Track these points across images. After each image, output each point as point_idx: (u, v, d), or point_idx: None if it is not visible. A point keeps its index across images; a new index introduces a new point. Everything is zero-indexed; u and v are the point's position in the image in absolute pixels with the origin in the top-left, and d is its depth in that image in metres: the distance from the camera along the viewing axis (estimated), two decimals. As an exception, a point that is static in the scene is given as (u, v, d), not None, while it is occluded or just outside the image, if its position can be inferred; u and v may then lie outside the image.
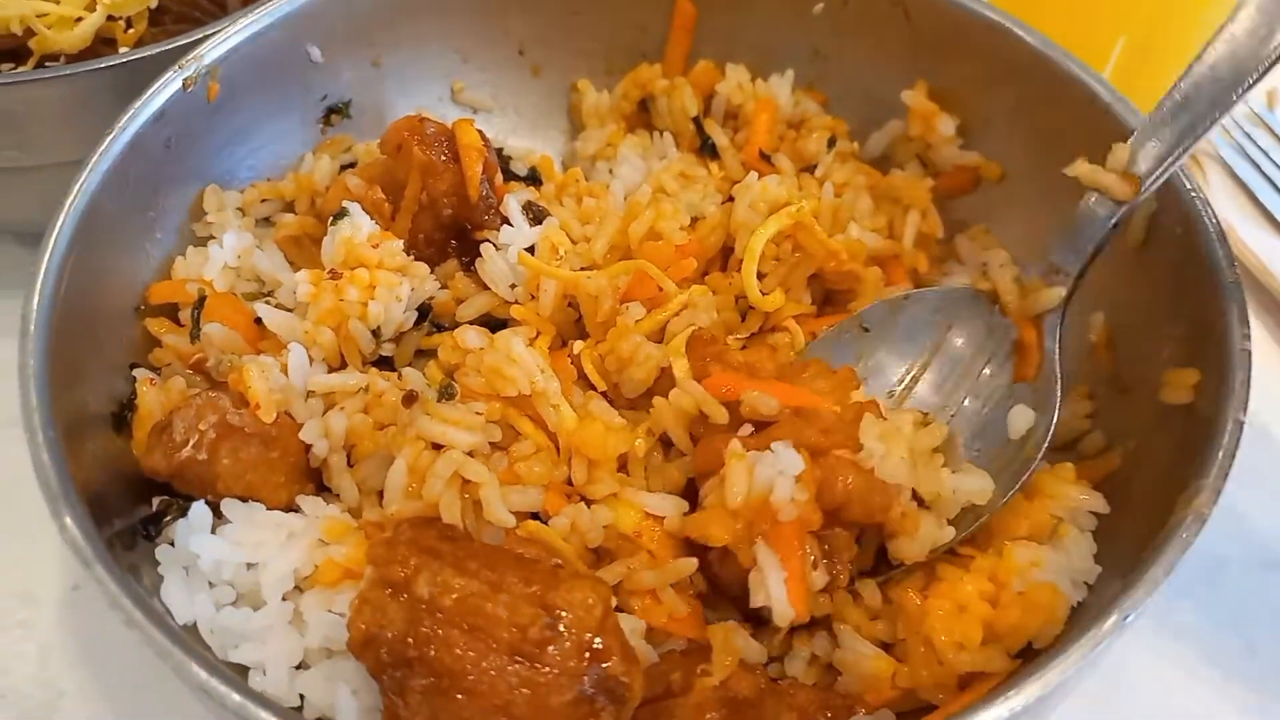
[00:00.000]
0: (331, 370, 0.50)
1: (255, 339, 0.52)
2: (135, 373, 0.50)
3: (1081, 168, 0.50)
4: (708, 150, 0.64)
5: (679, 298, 0.52)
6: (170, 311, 0.53)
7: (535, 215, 0.56)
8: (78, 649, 0.54)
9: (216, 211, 0.56)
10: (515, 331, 0.51)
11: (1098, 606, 0.41)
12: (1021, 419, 0.50)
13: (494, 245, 0.54)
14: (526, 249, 0.54)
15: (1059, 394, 0.50)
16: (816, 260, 0.53)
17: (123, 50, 0.64)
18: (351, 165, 0.62)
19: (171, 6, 0.67)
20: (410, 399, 0.45)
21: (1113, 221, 0.50)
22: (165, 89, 0.53)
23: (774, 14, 0.66)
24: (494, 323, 0.54)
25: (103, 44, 0.65)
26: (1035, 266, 0.52)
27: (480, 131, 0.55)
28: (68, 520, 0.38)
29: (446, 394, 0.46)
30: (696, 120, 0.65)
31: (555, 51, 0.68)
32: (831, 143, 0.62)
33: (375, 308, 0.50)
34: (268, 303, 0.53)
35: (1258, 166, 0.75)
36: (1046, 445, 0.49)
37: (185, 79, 0.53)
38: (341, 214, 0.52)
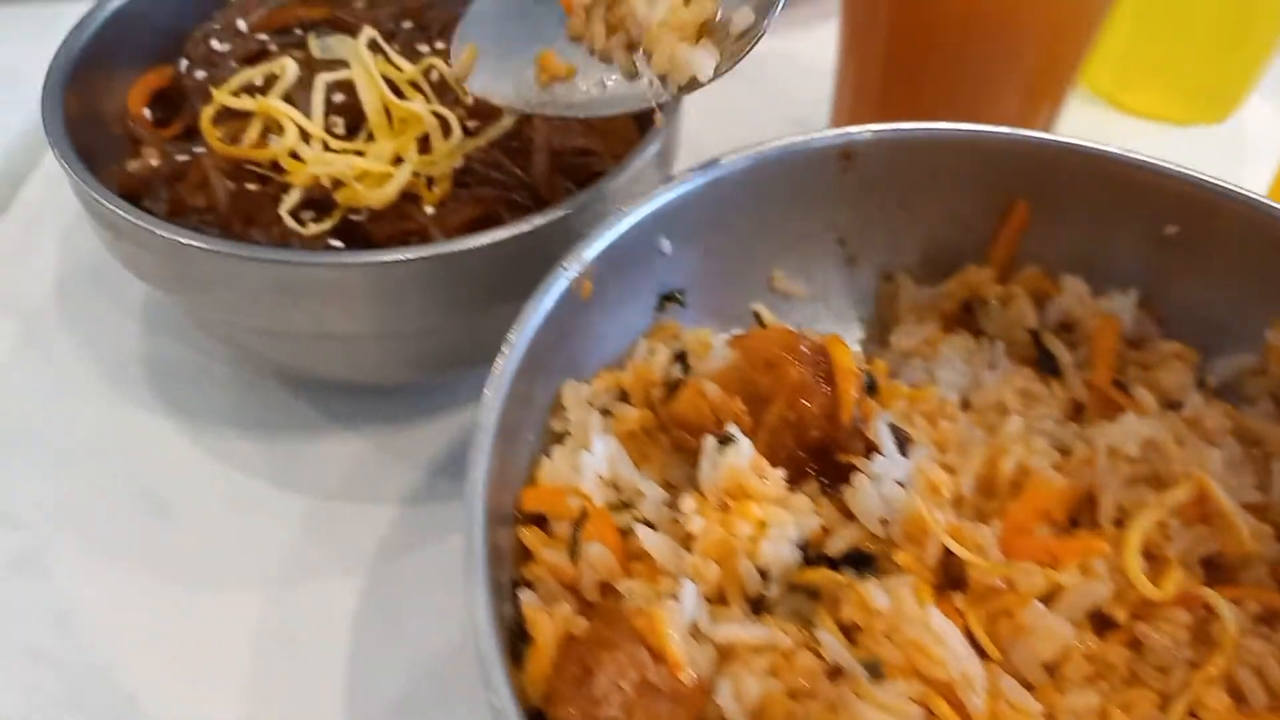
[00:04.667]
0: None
1: (624, 559, 0.50)
2: (522, 595, 0.48)
3: None
4: (1045, 365, 0.62)
5: (1076, 564, 0.49)
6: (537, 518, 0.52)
7: (900, 440, 0.54)
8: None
9: (574, 408, 0.55)
10: (904, 582, 0.48)
11: None
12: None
13: (866, 475, 0.52)
14: (899, 481, 0.52)
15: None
16: (1219, 541, 0.50)
17: (428, 208, 0.64)
18: (682, 355, 0.60)
19: (476, 168, 0.66)
20: (836, 673, 0.43)
21: None
22: (554, 289, 0.52)
23: (1115, 228, 0.64)
24: (859, 556, 0.52)
25: (405, 199, 0.64)
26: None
27: (850, 350, 0.54)
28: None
29: (874, 673, 0.43)
30: (1033, 332, 0.63)
31: (874, 242, 0.67)
32: (1200, 381, 0.60)
33: (769, 547, 0.48)
34: (634, 518, 0.51)
35: None
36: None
37: (571, 280, 0.52)
38: (728, 439, 0.50)
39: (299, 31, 0.74)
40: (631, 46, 0.58)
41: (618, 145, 0.70)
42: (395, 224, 0.63)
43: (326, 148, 0.65)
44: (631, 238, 0.56)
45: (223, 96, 0.66)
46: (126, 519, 0.65)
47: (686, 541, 0.50)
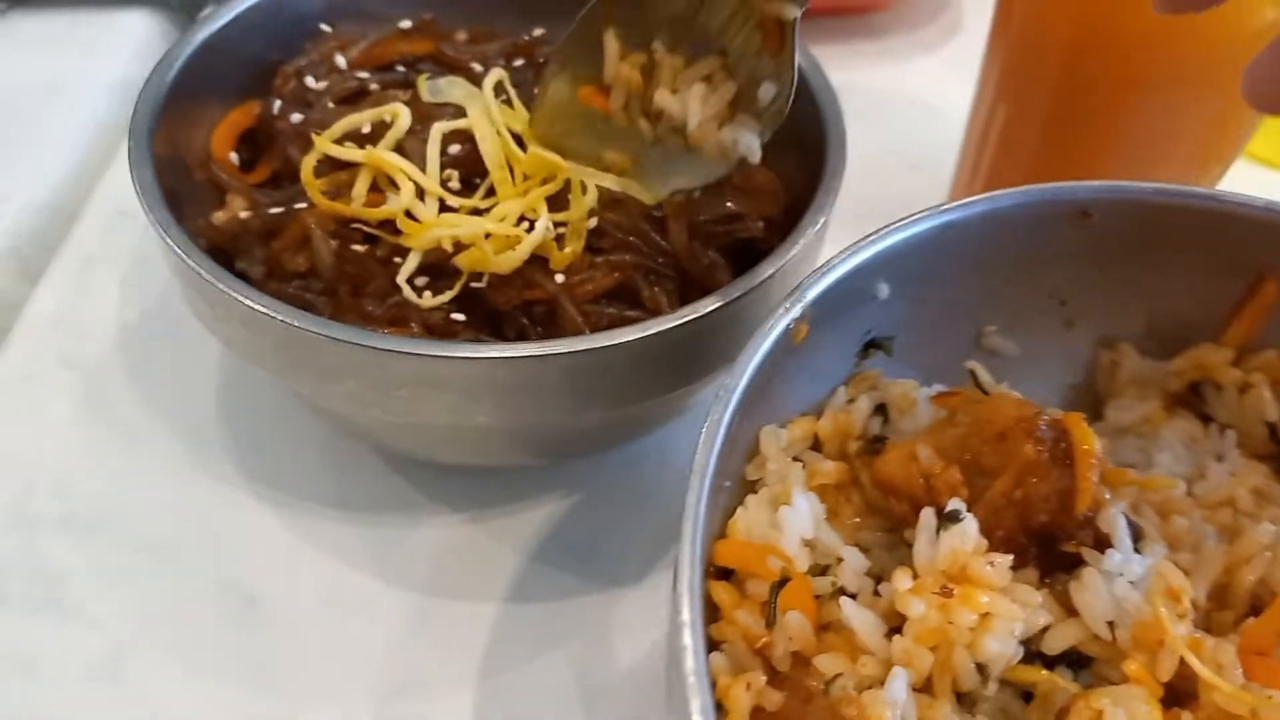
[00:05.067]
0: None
1: (817, 628, 0.46)
2: (712, 659, 0.45)
3: None
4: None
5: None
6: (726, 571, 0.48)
7: (1134, 534, 0.49)
8: None
9: (775, 457, 0.51)
10: (1136, 695, 0.44)
11: None
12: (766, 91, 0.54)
13: (1097, 570, 0.47)
14: (1132, 581, 0.47)
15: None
16: None
17: (559, 276, 0.56)
18: (881, 407, 0.56)
19: (611, 230, 0.59)
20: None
21: None
22: (773, 331, 0.48)
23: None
24: (1078, 657, 0.48)
25: (529, 262, 0.56)
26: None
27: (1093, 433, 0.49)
28: None
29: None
30: (1270, 426, 0.57)
31: (1097, 306, 0.61)
32: None
33: (992, 642, 0.43)
34: (832, 583, 0.47)
35: None
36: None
37: (792, 322, 0.49)
38: (954, 516, 0.46)
39: (401, 69, 0.66)
40: (678, 129, 0.56)
41: (765, 204, 0.63)
42: (520, 291, 0.55)
43: (444, 205, 0.56)
44: (852, 279, 0.52)
45: (325, 145, 0.57)
46: (212, 616, 0.58)
47: (889, 618, 0.46)
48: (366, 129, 0.58)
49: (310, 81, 0.63)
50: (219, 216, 0.59)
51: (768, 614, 0.45)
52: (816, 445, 0.55)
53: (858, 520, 0.53)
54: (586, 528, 0.64)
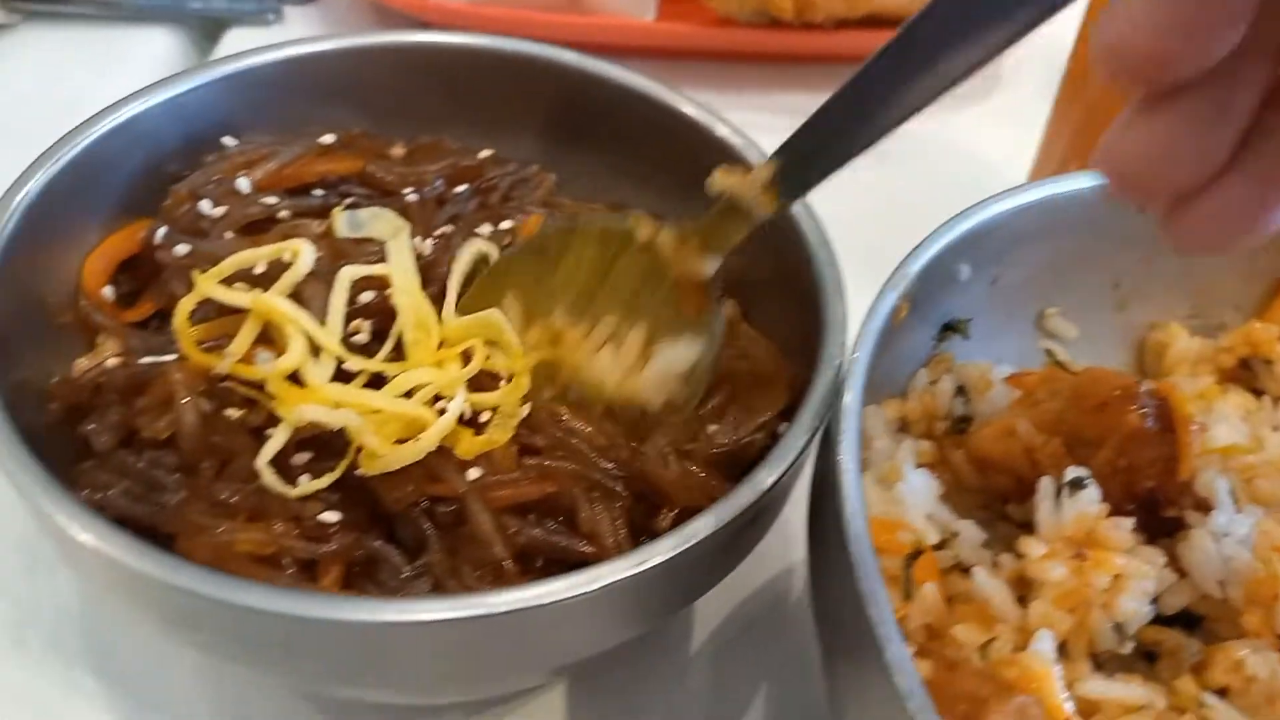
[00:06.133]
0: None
1: (944, 599, 0.47)
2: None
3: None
4: (1337, 431, 0.59)
5: None
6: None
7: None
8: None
9: (880, 436, 0.52)
10: (1262, 646, 0.45)
11: None
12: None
13: (1205, 532, 0.49)
14: (1239, 541, 0.49)
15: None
16: None
17: (473, 471, 0.44)
18: (960, 389, 0.57)
19: (548, 424, 0.47)
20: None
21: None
22: (882, 310, 0.49)
23: None
24: (1189, 617, 0.49)
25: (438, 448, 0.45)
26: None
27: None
28: None
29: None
30: (1320, 395, 0.60)
31: (1151, 288, 0.63)
32: None
33: (1127, 601, 0.44)
34: (953, 557, 0.48)
35: None
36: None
37: (899, 299, 0.49)
38: (1078, 483, 0.47)
39: (320, 192, 0.55)
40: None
41: (773, 400, 0.52)
42: (419, 486, 0.44)
43: (340, 368, 0.46)
44: (940, 259, 0.53)
45: (208, 285, 0.46)
46: None
47: (1013, 587, 0.47)
48: (261, 268, 0.48)
49: (206, 207, 0.52)
50: (81, 364, 0.48)
51: (904, 587, 0.45)
52: (902, 427, 0.56)
53: (949, 496, 0.53)
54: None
